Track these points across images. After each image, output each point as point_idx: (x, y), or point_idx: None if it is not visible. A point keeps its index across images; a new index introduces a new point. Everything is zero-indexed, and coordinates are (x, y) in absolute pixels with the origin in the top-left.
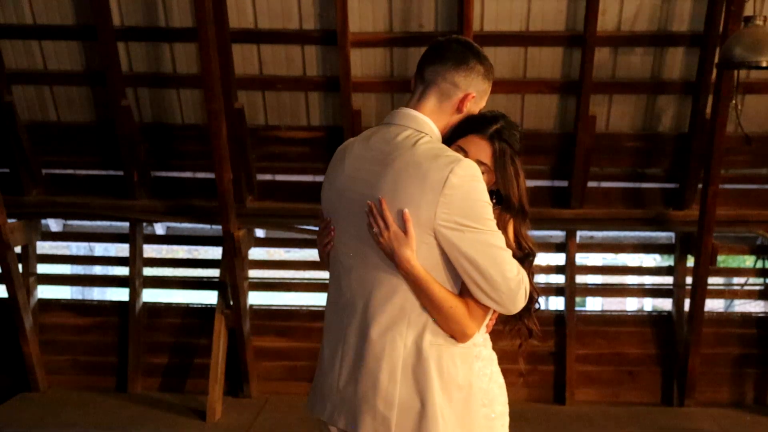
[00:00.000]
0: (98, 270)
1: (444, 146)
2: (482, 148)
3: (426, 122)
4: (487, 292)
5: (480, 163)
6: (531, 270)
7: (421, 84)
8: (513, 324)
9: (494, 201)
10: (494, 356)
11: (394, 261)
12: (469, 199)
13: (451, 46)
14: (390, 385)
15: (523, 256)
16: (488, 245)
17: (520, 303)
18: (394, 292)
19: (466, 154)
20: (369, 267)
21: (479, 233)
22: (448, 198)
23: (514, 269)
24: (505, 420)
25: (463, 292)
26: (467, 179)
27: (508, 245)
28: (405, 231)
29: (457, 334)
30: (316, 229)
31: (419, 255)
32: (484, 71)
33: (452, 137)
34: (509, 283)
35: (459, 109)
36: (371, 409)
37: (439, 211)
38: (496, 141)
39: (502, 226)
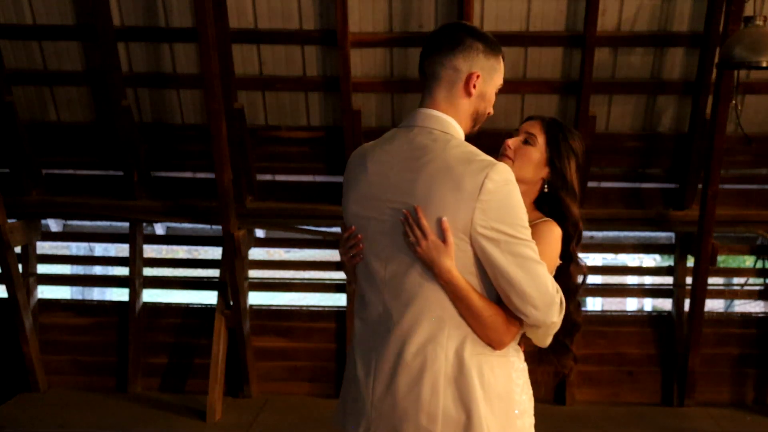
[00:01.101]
0: (98, 270)
1: (474, 148)
2: (532, 123)
3: (448, 122)
4: (518, 307)
5: (528, 133)
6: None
7: (425, 79)
8: (546, 362)
9: (546, 189)
10: (525, 367)
11: (433, 270)
12: (506, 205)
13: (443, 32)
14: (432, 398)
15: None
16: (524, 258)
17: (554, 318)
18: (433, 303)
19: (517, 131)
20: (404, 277)
21: (515, 244)
22: (485, 204)
23: (549, 283)
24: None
25: (500, 299)
26: (502, 184)
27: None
28: (444, 240)
29: (494, 343)
30: (317, 229)
31: (455, 262)
32: (483, 47)
33: None
34: (544, 298)
35: (468, 92)
36: (413, 423)
37: (476, 218)
38: (546, 121)
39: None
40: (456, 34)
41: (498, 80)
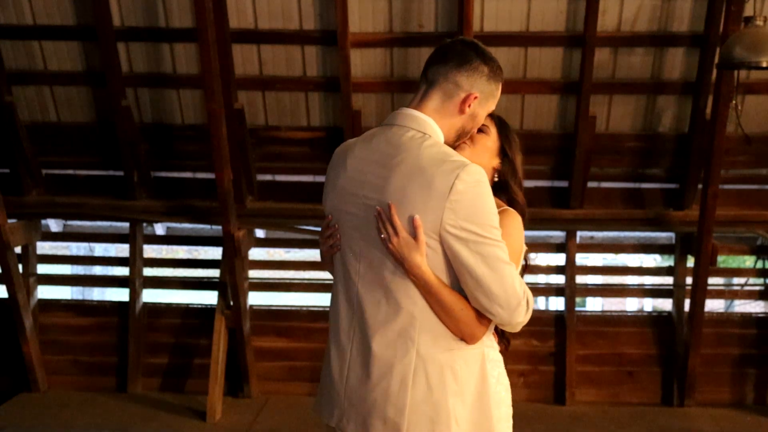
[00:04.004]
0: (98, 270)
1: (448, 149)
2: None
3: (428, 122)
4: (485, 306)
5: (481, 125)
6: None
7: (424, 84)
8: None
9: (495, 178)
10: (501, 358)
11: (404, 266)
12: (476, 205)
13: (455, 47)
14: (401, 391)
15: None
16: (492, 258)
17: (519, 319)
18: (404, 298)
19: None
20: (377, 271)
21: (484, 245)
22: (454, 204)
23: (516, 284)
24: (510, 423)
25: None
26: (473, 184)
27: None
28: (415, 237)
29: (466, 337)
30: (317, 229)
31: (426, 261)
32: (488, 72)
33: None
34: (511, 299)
35: (461, 110)
36: (381, 415)
37: (445, 217)
38: (495, 115)
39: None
40: (466, 53)
41: (492, 105)
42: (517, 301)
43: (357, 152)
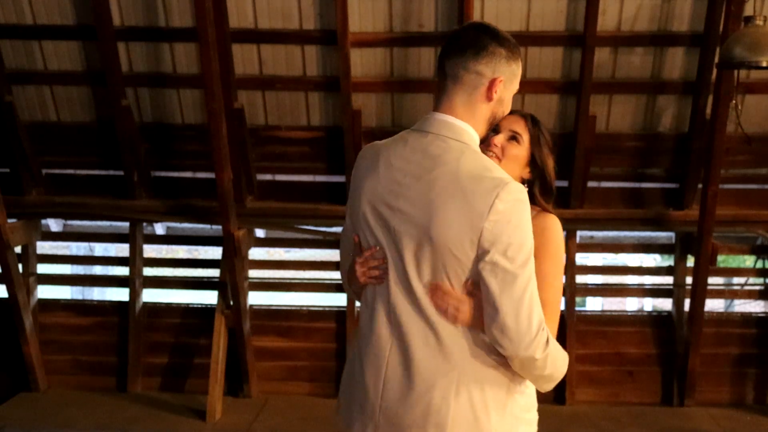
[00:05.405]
0: (98, 270)
1: (487, 161)
2: (515, 119)
3: (463, 129)
4: (495, 336)
5: (514, 132)
6: None
7: (444, 80)
8: None
9: (527, 187)
10: None
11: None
12: (514, 226)
13: (467, 34)
14: (443, 407)
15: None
16: (520, 289)
17: (530, 353)
18: (443, 323)
19: (499, 128)
20: (412, 290)
21: (512, 273)
22: (493, 225)
23: (534, 321)
24: (535, 428)
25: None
26: (512, 203)
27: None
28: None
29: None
30: (317, 229)
31: (467, 279)
32: (506, 53)
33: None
34: (523, 337)
35: (489, 97)
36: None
37: (482, 238)
38: (529, 118)
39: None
40: (480, 38)
41: (515, 86)
42: (530, 338)
43: (391, 160)
